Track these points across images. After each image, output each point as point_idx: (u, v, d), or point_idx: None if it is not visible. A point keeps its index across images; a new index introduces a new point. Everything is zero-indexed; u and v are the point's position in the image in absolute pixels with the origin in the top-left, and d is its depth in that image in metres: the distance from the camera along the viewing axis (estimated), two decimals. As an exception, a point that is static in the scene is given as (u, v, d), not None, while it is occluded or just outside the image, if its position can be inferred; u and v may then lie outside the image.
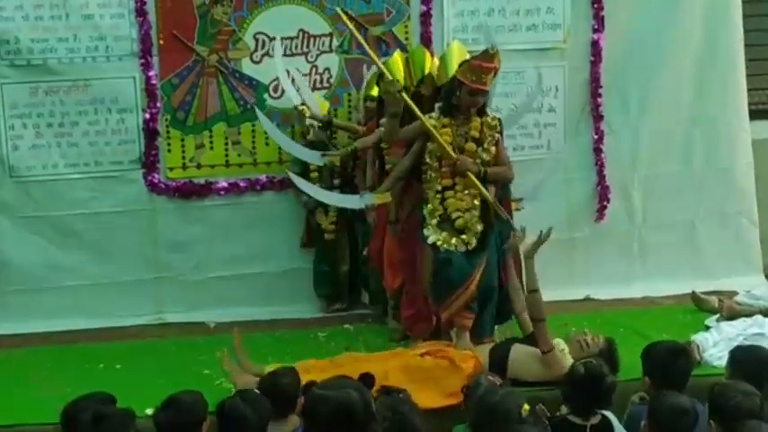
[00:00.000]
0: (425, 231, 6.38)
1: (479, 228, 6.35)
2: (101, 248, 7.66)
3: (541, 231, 6.14)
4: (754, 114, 8.66)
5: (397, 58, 6.90)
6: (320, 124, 7.41)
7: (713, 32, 8.11)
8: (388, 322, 7.21)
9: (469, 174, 6.32)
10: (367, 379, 4.95)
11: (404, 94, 6.31)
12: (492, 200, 6.39)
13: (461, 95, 6.34)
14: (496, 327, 6.72)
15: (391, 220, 6.80)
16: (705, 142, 8.26)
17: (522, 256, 6.31)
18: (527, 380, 5.92)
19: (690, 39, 8.08)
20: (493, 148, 6.45)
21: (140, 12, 7.43)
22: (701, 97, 8.17)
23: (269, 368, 5.73)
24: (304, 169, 7.41)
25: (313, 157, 7.18)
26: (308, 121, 7.45)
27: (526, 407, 4.47)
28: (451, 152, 6.32)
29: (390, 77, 6.31)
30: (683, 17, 8.03)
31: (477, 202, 6.38)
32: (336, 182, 7.53)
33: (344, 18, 6.69)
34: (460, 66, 6.38)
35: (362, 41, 6.71)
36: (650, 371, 5.14)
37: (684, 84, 8.13)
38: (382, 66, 6.48)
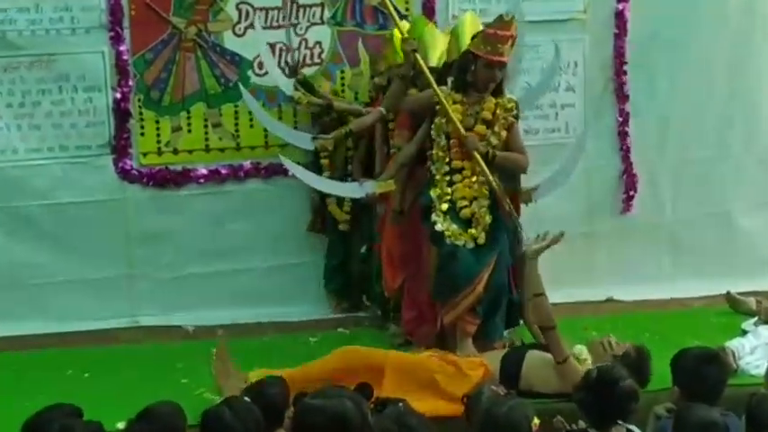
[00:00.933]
0: (434, 217, 6.40)
1: (488, 220, 6.37)
2: (66, 243, 7.68)
3: (546, 233, 6.18)
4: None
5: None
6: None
7: (752, 5, 8.13)
8: (389, 327, 7.23)
9: (476, 154, 6.33)
10: (365, 389, 4.98)
11: (418, 56, 6.34)
12: (497, 186, 6.40)
13: (477, 70, 6.38)
14: (505, 332, 6.76)
15: (395, 209, 6.83)
16: (743, 124, 8.30)
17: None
18: (542, 391, 5.94)
19: (725, 9, 8.10)
20: (504, 133, 6.46)
21: (109, -21, 7.44)
22: (738, 74, 8.20)
23: (252, 377, 5.79)
24: (315, 154, 7.44)
25: (303, 141, 7.21)
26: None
27: (536, 420, 4.48)
28: (461, 128, 6.34)
29: (406, 35, 6.34)
30: (719, -14, 8.06)
31: (486, 191, 6.41)
32: (350, 168, 7.56)
33: None
34: (473, 37, 6.42)
35: None
36: (680, 380, 5.14)
37: (719, 61, 8.16)
38: (398, 20, 6.49)
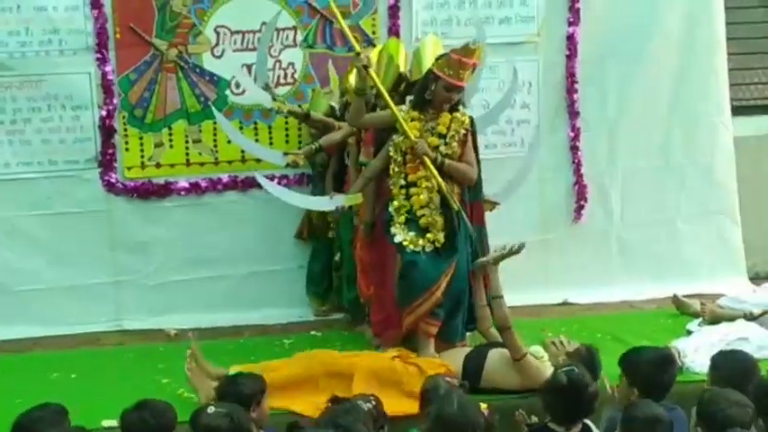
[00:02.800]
0: (392, 230, 6.40)
1: (440, 221, 6.36)
2: (56, 251, 7.66)
3: (513, 246, 6.18)
4: (738, 111, 8.75)
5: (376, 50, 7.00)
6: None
7: (694, 25, 8.18)
8: (365, 330, 7.20)
9: (426, 159, 6.32)
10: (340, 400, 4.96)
11: (371, 72, 6.32)
12: (446, 188, 6.37)
13: (436, 90, 6.36)
14: (468, 334, 6.74)
15: (366, 221, 6.80)
16: (685, 138, 8.33)
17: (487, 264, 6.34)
18: (503, 388, 5.95)
19: (670, 31, 8.15)
20: (455, 144, 6.44)
21: (95, 4, 7.41)
22: (682, 92, 8.24)
23: (233, 370, 5.77)
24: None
25: (275, 157, 7.19)
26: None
27: (483, 405, 4.49)
28: (411, 135, 6.33)
29: (359, 50, 6.32)
30: (663, 9, 8.11)
31: (435, 195, 6.39)
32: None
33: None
34: (438, 59, 6.41)
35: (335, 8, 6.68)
36: (631, 378, 5.15)
37: (664, 78, 8.21)
38: (350, 33, 6.51)
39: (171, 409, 4.61)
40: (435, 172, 6.34)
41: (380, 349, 6.67)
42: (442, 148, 6.40)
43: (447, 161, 6.41)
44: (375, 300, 6.90)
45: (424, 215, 6.38)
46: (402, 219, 6.41)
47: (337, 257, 7.56)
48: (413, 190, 6.42)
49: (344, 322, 7.62)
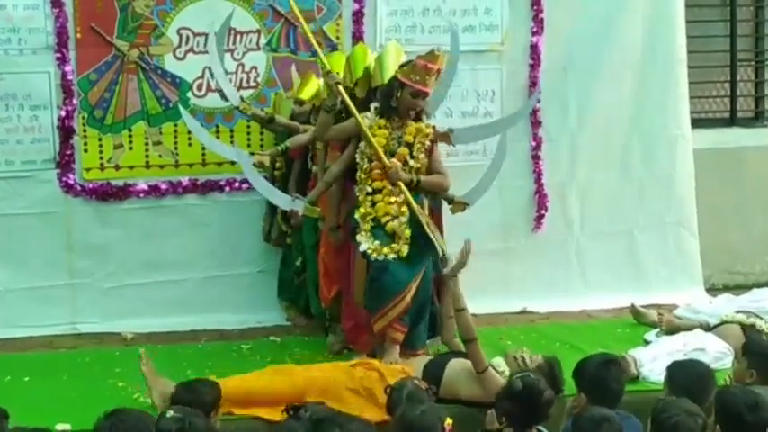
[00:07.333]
0: (358, 238, 6.38)
1: (408, 233, 6.35)
2: (11, 253, 7.59)
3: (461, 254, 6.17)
4: (697, 123, 8.82)
5: (339, 55, 7.00)
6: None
7: (655, 38, 8.25)
8: (327, 336, 7.15)
9: (401, 184, 6.32)
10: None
11: (341, 88, 6.32)
12: (420, 212, 6.37)
13: (402, 97, 6.37)
14: (429, 341, 6.72)
15: (331, 226, 6.77)
16: (645, 150, 8.39)
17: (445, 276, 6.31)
18: (462, 398, 5.93)
19: (631, 44, 8.22)
20: (422, 156, 6.47)
21: (56, 3, 7.37)
22: (642, 104, 8.30)
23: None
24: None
25: (239, 156, 7.14)
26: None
27: (449, 420, 4.48)
28: (385, 158, 6.33)
29: (329, 68, 6.31)
30: (625, 21, 8.18)
31: (404, 209, 6.39)
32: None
33: (295, 10, 6.69)
34: (402, 66, 6.42)
35: (306, 28, 6.69)
36: (582, 385, 5.16)
37: (624, 90, 8.27)
38: (323, 56, 6.49)
39: (147, 416, 4.47)
40: (411, 199, 6.35)
41: (354, 355, 6.62)
42: (411, 162, 6.41)
43: (422, 179, 6.44)
44: (345, 305, 6.86)
45: (389, 221, 6.36)
46: (368, 227, 6.38)
47: (299, 262, 7.51)
48: (377, 197, 6.41)
49: (305, 327, 7.58)
